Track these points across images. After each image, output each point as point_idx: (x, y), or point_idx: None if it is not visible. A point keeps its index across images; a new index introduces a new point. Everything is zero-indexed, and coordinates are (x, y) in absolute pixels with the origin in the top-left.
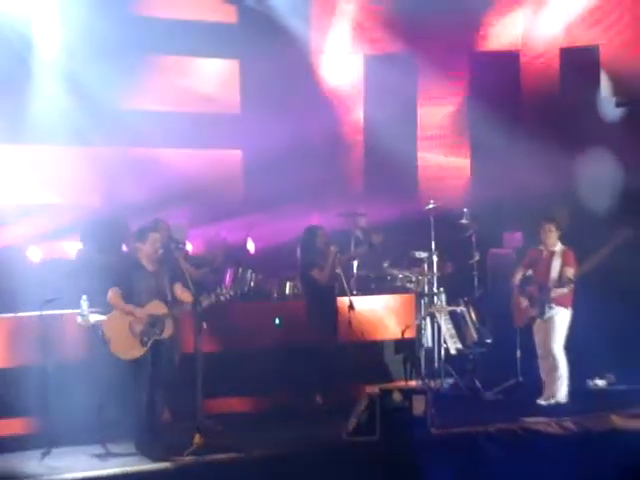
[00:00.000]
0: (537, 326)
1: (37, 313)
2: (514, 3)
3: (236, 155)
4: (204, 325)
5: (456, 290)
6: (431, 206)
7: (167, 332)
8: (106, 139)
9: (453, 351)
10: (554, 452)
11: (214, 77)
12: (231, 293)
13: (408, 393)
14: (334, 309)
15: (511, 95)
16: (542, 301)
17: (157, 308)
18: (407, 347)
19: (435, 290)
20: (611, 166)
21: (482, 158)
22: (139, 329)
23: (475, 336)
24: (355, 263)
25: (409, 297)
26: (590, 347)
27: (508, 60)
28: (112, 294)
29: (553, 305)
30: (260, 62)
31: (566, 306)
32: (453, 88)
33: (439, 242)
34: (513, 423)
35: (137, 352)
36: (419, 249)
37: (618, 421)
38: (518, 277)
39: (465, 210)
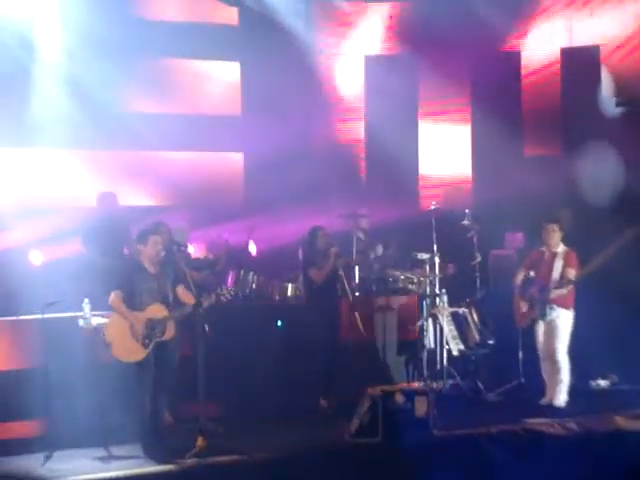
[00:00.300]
0: (539, 327)
1: (39, 316)
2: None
3: (237, 157)
4: (206, 327)
5: (458, 291)
6: (433, 207)
7: (168, 334)
8: (107, 142)
9: (455, 352)
10: (557, 453)
11: (215, 79)
12: (232, 293)
13: (410, 394)
14: (334, 310)
15: (513, 95)
16: (543, 302)
17: (157, 311)
18: (409, 348)
19: (437, 291)
20: (613, 164)
21: (484, 159)
22: (140, 332)
23: (477, 337)
24: (357, 265)
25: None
26: (593, 347)
27: (510, 60)
28: (114, 297)
29: (554, 306)
30: (261, 64)
31: (568, 307)
32: (455, 89)
33: (441, 243)
34: (516, 424)
35: (139, 355)
36: (421, 250)
37: (621, 422)
38: (519, 278)
39: (467, 211)
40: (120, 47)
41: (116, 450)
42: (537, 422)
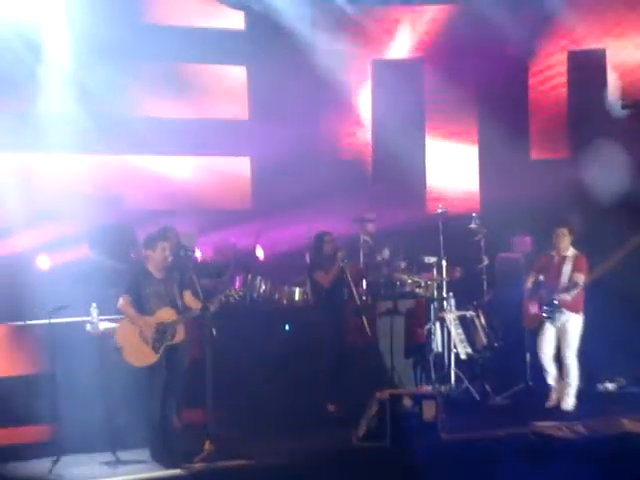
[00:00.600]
0: (546, 330)
1: (46, 321)
2: None
3: (244, 162)
4: (214, 331)
5: (465, 295)
6: (440, 211)
7: (178, 337)
8: (114, 146)
9: (463, 356)
10: (565, 456)
11: (222, 84)
12: (240, 294)
13: (418, 398)
14: (342, 314)
15: (519, 98)
16: (552, 306)
17: (167, 315)
18: (417, 352)
19: (444, 295)
20: (620, 166)
21: (491, 162)
22: (150, 336)
23: (485, 340)
24: (364, 269)
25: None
26: (600, 351)
27: (516, 63)
28: (122, 301)
29: (564, 310)
30: (268, 68)
31: (577, 311)
32: (462, 94)
33: (448, 247)
34: (524, 427)
35: (150, 359)
36: (428, 254)
37: (629, 425)
38: (530, 282)
39: (474, 215)
40: (127, 51)
41: (124, 455)
42: (545, 425)
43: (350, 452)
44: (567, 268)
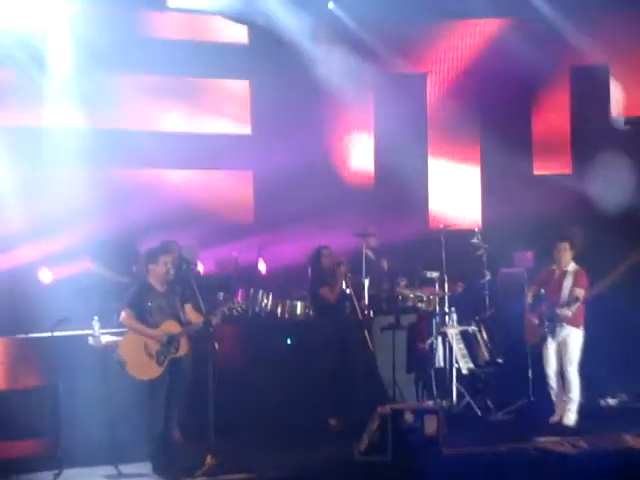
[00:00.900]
0: (548, 345)
1: (48, 334)
2: None
3: (247, 176)
4: (216, 345)
5: (467, 310)
6: (442, 226)
7: (182, 350)
8: (117, 159)
9: (465, 371)
10: (566, 472)
11: (225, 98)
12: (243, 307)
13: (420, 413)
14: (344, 328)
15: (521, 114)
16: (552, 320)
17: (172, 327)
18: (419, 367)
19: (446, 310)
20: (623, 181)
21: (493, 177)
22: (155, 349)
23: (487, 356)
24: (366, 283)
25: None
26: (602, 366)
27: (519, 79)
28: (125, 315)
29: (564, 325)
30: (271, 83)
31: (578, 326)
32: (464, 109)
33: (450, 262)
34: (525, 443)
35: (154, 372)
36: (430, 269)
37: (631, 440)
38: (531, 296)
39: (476, 230)
40: (130, 65)
41: (125, 468)
42: (547, 440)
43: (352, 466)
44: (568, 283)
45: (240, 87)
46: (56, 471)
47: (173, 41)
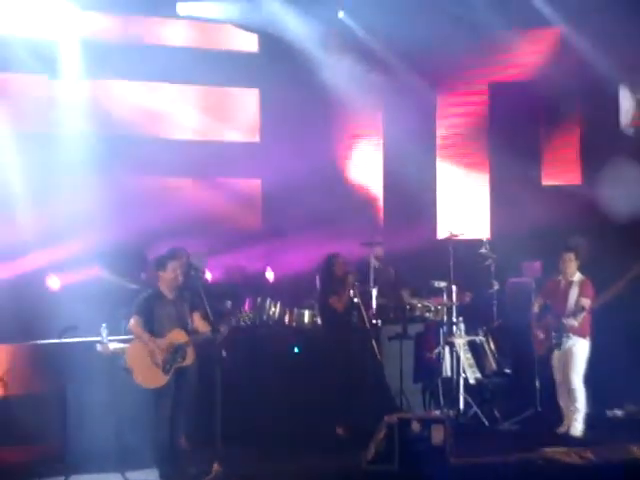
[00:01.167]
0: (555, 356)
1: (56, 341)
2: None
3: (255, 184)
4: (224, 353)
5: (475, 319)
6: (450, 235)
7: (189, 359)
8: (126, 167)
9: (472, 381)
10: None
11: (234, 106)
12: (250, 317)
13: (427, 422)
14: (352, 337)
15: (530, 124)
16: (558, 331)
17: (178, 336)
18: (426, 376)
19: (454, 319)
20: (633, 191)
21: (502, 187)
22: (161, 358)
23: (494, 366)
24: (374, 292)
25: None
26: (610, 377)
27: (528, 89)
28: (134, 322)
29: (570, 335)
30: (281, 91)
31: (584, 336)
32: (473, 119)
33: (458, 271)
34: (532, 453)
35: (160, 381)
36: (438, 278)
37: (638, 452)
38: (537, 307)
39: (484, 239)
40: (140, 72)
41: (133, 475)
42: (554, 451)
43: (358, 476)
44: (574, 293)
45: (249, 95)
46: (63, 477)
47: (183, 49)
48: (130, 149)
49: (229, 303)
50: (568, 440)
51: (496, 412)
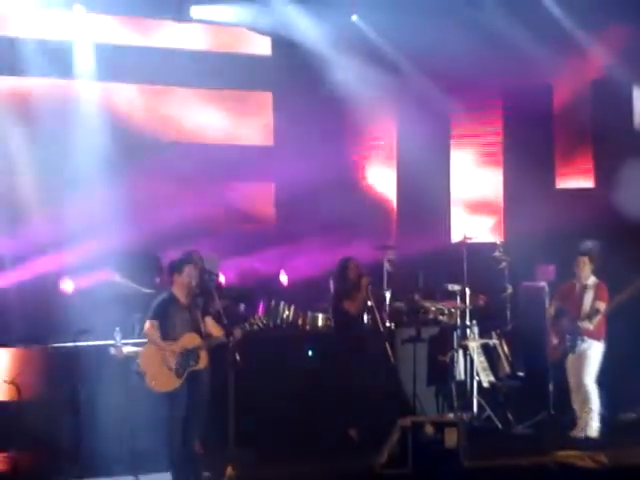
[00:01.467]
0: (569, 360)
1: (70, 344)
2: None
3: (269, 187)
4: (237, 357)
5: (489, 323)
6: (464, 239)
7: (202, 363)
8: (140, 170)
9: (486, 384)
10: None
11: (247, 109)
12: (264, 322)
13: (440, 425)
14: (365, 340)
15: (545, 127)
16: (573, 334)
17: (192, 340)
18: (440, 379)
19: (468, 323)
20: None
21: (516, 190)
22: (174, 362)
23: (508, 369)
24: (388, 295)
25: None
26: (624, 380)
27: (542, 93)
28: (149, 326)
29: (585, 338)
30: (294, 95)
31: (599, 339)
32: (487, 123)
33: (472, 275)
34: (546, 456)
35: (173, 384)
36: (452, 282)
37: None
38: (552, 310)
39: (498, 243)
40: (152, 76)
41: (146, 479)
42: (567, 454)
43: (372, 478)
44: (589, 296)
45: (263, 98)
46: None
47: (196, 52)
48: (144, 152)
49: (243, 306)
50: (582, 443)
51: (509, 415)
